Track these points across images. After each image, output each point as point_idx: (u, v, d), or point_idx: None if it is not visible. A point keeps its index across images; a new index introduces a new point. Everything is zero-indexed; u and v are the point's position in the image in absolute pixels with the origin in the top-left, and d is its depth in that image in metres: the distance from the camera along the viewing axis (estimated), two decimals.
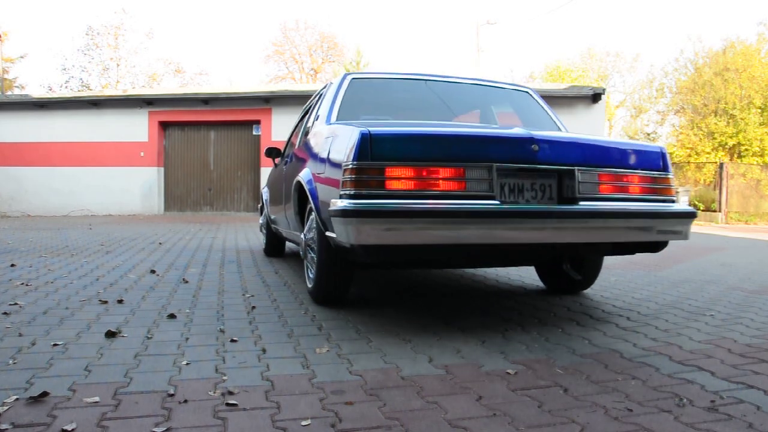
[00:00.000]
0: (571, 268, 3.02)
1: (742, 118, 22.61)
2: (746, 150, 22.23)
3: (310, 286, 2.85)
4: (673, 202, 2.47)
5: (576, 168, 2.26)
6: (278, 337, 2.12)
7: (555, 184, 2.27)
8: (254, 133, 14.17)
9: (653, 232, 2.34)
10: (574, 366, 1.82)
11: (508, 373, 1.74)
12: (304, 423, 1.34)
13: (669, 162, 2.51)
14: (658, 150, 2.50)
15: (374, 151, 2.09)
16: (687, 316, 2.60)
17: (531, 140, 2.22)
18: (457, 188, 2.13)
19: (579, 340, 2.16)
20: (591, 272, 3.08)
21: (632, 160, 2.42)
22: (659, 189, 2.45)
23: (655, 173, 2.45)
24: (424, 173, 2.10)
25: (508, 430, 1.32)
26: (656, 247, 2.50)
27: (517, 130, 2.37)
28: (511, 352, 1.97)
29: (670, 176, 2.49)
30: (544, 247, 2.36)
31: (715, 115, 23.58)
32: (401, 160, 2.09)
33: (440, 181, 2.11)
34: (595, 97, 12.84)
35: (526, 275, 3.95)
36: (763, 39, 24.30)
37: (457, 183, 2.13)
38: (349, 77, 3.20)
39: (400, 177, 2.08)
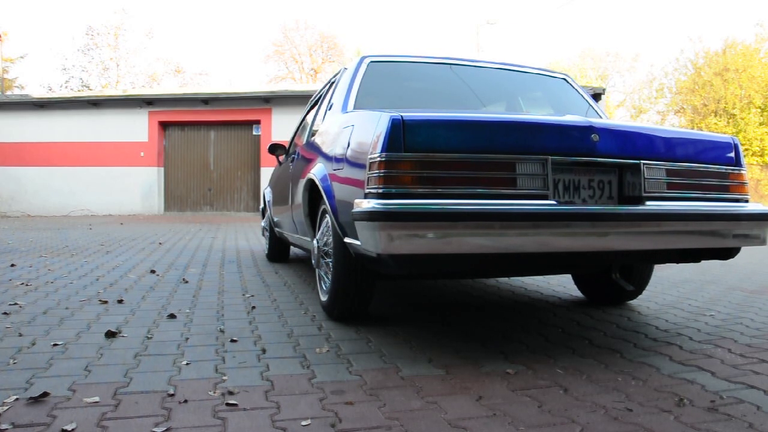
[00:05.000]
0: (620, 277, 2.68)
1: (742, 118, 22.65)
2: (746, 150, 22.28)
3: (323, 299, 2.53)
4: (746, 201, 2.22)
5: (642, 162, 2.00)
6: (278, 337, 2.12)
7: (615, 180, 2.02)
8: (254, 133, 14.19)
9: (729, 237, 2.10)
10: (574, 366, 1.82)
11: (508, 373, 1.74)
12: (304, 423, 1.34)
13: (742, 155, 2.26)
14: (730, 141, 2.24)
15: (408, 141, 1.80)
16: (687, 316, 2.60)
17: (590, 129, 1.97)
18: (505, 186, 1.85)
19: (579, 340, 2.16)
20: (642, 281, 2.78)
21: (702, 153, 2.16)
22: (732, 186, 2.20)
23: (728, 168, 2.20)
24: (468, 168, 1.82)
25: (508, 430, 1.32)
26: (729, 253, 2.23)
27: (574, 118, 2.16)
28: (511, 352, 1.96)
29: (743, 171, 2.24)
30: (604, 255, 2.10)
31: (715, 115, 23.61)
32: (440, 151, 1.81)
33: (487, 178, 1.84)
34: (595, 97, 12.88)
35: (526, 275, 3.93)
36: (762, 39, 24.35)
37: (505, 180, 1.86)
38: (367, 60, 2.89)
39: (439, 172, 1.80)
